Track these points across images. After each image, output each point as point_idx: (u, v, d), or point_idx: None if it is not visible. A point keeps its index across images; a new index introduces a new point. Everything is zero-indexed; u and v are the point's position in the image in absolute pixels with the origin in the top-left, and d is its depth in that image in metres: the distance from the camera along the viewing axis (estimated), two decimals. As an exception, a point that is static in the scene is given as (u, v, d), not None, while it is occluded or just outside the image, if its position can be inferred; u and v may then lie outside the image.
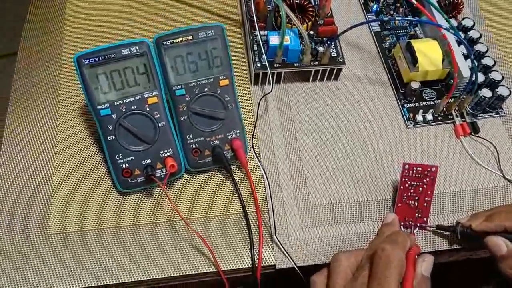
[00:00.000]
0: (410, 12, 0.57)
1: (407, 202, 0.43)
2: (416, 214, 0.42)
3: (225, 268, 0.40)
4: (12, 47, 0.54)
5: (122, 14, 0.55)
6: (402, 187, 0.43)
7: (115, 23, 0.54)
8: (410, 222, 0.42)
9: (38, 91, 0.49)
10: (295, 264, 0.41)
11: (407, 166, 0.43)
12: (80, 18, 0.54)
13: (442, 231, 0.43)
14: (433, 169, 0.42)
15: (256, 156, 0.45)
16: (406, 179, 0.43)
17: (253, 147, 0.45)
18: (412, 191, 0.43)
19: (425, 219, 0.42)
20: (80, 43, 0.52)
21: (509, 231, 0.38)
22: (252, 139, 0.46)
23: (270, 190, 0.43)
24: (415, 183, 0.43)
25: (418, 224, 0.42)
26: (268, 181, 0.43)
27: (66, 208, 0.42)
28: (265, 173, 0.44)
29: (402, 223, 0.42)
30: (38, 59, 0.51)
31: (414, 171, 0.43)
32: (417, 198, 0.43)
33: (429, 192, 0.42)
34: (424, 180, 0.42)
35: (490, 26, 0.57)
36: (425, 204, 0.42)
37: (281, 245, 0.41)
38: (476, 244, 0.40)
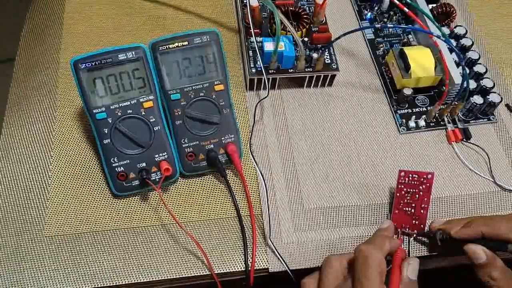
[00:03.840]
0: (403, 19, 0.58)
1: (404, 209, 0.43)
2: (413, 221, 0.43)
3: (219, 271, 0.41)
4: (13, 52, 0.55)
5: (120, 20, 0.55)
6: (398, 194, 0.43)
7: (113, 29, 0.55)
8: (407, 229, 0.43)
9: (36, 95, 0.49)
10: (288, 267, 0.41)
11: (403, 173, 0.43)
12: (78, 23, 0.55)
13: (422, 237, 0.43)
14: (429, 176, 0.42)
15: (254, 160, 0.45)
16: (402, 186, 0.43)
17: (251, 151, 0.46)
18: (408, 198, 0.43)
19: (422, 226, 0.42)
20: (77, 48, 0.53)
21: (486, 237, 0.38)
22: (250, 143, 0.47)
23: (267, 193, 0.44)
24: (412, 190, 0.43)
25: (399, 230, 0.42)
26: (265, 184, 0.44)
27: (62, 211, 0.43)
28: (263, 177, 0.44)
29: (399, 230, 0.42)
30: (35, 63, 0.52)
31: (410, 178, 0.43)
32: (413, 205, 0.43)
33: (425, 199, 0.42)
34: (420, 187, 0.43)
35: (483, 33, 0.58)
36: (421, 211, 0.42)
37: (275, 249, 0.41)
38: (455, 250, 0.40)
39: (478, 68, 0.51)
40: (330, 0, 0.51)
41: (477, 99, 0.49)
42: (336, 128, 0.49)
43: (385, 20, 0.58)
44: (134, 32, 0.54)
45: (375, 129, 0.50)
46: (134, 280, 0.40)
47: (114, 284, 0.40)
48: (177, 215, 0.43)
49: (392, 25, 0.57)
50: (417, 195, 0.43)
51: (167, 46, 0.41)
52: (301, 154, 0.47)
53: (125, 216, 0.43)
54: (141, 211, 0.43)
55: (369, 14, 0.58)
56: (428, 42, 0.52)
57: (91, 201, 0.43)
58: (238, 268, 0.41)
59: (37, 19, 0.56)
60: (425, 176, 0.43)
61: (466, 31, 0.54)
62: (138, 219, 0.43)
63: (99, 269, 0.40)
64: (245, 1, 0.51)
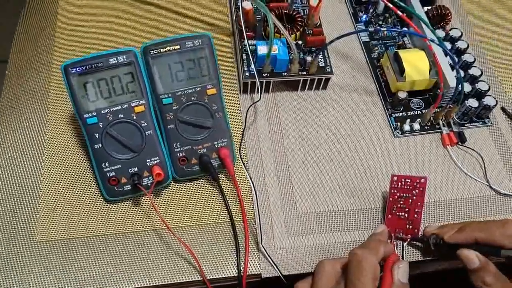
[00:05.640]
0: (399, 22, 0.57)
1: (397, 213, 0.43)
2: (407, 226, 0.42)
3: (211, 277, 0.40)
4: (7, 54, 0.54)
5: (113, 23, 0.55)
6: (391, 199, 0.43)
7: (106, 32, 0.54)
8: (401, 233, 0.42)
9: (28, 98, 0.49)
10: (280, 273, 0.41)
11: (395, 178, 0.43)
12: (71, 27, 0.54)
13: (416, 242, 0.43)
14: (422, 180, 0.42)
15: (244, 165, 0.45)
16: (395, 191, 0.43)
17: (240, 156, 0.46)
18: (402, 202, 0.43)
19: (416, 230, 0.42)
20: (70, 51, 0.52)
21: (479, 243, 0.38)
22: (240, 148, 0.46)
23: (257, 198, 0.44)
24: (405, 195, 0.43)
25: (393, 235, 0.42)
26: (255, 189, 0.44)
27: (53, 216, 0.42)
28: (252, 182, 0.44)
29: (393, 235, 0.42)
30: (28, 66, 0.52)
31: (403, 183, 0.43)
32: (407, 209, 0.42)
33: (419, 203, 0.42)
34: (414, 192, 0.42)
35: (478, 36, 0.57)
36: (415, 215, 0.42)
37: (267, 254, 0.41)
38: (449, 254, 0.40)
39: (474, 71, 0.51)
40: (325, 2, 0.50)
41: (472, 102, 0.49)
42: (330, 132, 0.49)
43: (380, 22, 0.57)
44: (127, 36, 0.54)
45: (370, 133, 0.49)
46: (125, 286, 0.40)
47: (105, 290, 0.40)
48: (169, 220, 0.43)
49: (385, 28, 0.56)
50: (410, 200, 0.42)
51: (159, 50, 0.41)
52: (295, 157, 0.47)
53: (116, 221, 0.43)
54: (132, 216, 0.43)
55: (364, 16, 0.58)
56: (423, 45, 0.52)
57: (81, 206, 0.43)
58: (230, 274, 0.41)
59: (31, 20, 0.56)
60: (418, 181, 0.42)
61: (462, 33, 0.54)
62: (130, 224, 0.43)
63: (89, 275, 0.40)
64: (238, 4, 0.50)
